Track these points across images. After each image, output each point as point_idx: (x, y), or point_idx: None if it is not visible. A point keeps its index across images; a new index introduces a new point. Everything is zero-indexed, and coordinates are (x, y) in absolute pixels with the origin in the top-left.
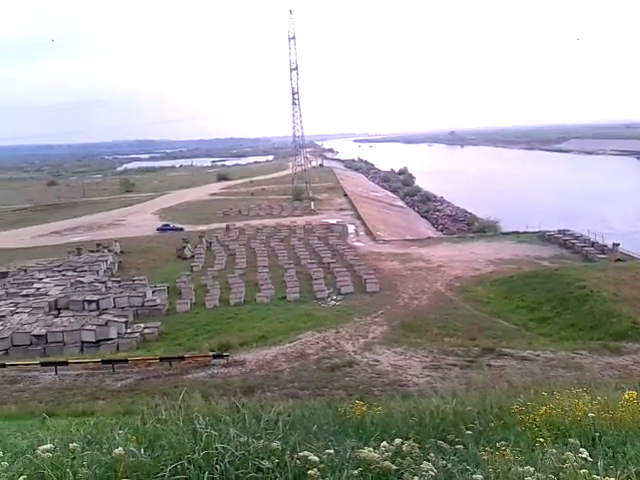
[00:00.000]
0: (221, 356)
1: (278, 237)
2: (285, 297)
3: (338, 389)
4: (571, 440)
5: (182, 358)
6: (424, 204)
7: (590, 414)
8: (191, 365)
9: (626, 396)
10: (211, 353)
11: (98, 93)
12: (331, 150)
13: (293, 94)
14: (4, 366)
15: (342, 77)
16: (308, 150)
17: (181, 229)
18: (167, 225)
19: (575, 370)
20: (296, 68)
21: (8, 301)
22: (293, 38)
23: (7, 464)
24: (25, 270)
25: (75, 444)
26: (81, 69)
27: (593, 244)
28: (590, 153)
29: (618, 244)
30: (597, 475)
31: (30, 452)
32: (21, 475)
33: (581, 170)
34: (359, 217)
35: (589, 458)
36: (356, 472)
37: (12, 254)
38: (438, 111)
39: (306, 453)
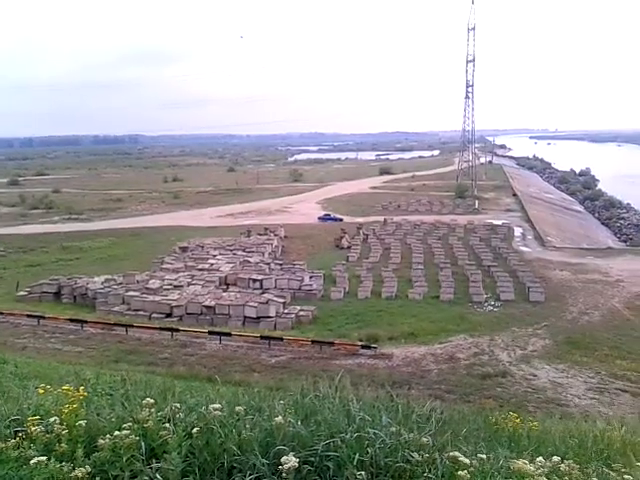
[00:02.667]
0: (369, 347)
1: (436, 235)
2: (438, 297)
3: (488, 398)
4: None
5: (332, 343)
6: (606, 210)
7: None
8: (340, 352)
9: None
10: (360, 343)
11: (271, 89)
12: (503, 146)
13: (467, 87)
14: (178, 331)
15: (520, 69)
16: (477, 146)
17: (341, 219)
18: (328, 215)
19: None
20: (473, 60)
21: (186, 273)
22: (473, 29)
23: (183, 415)
24: (202, 247)
25: (240, 408)
26: (258, 66)
27: None
28: None
29: None
30: None
31: (202, 408)
32: (194, 427)
33: None
34: (528, 220)
35: None
36: None
37: (193, 232)
38: (630, 107)
39: (456, 454)
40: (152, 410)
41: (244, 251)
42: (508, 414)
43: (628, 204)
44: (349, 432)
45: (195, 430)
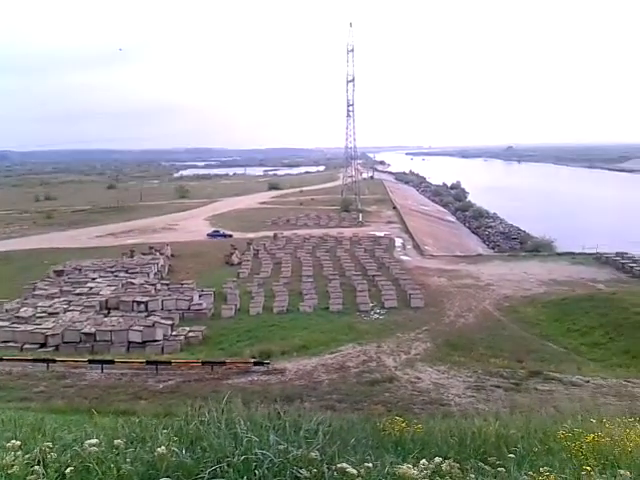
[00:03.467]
0: (262, 363)
1: (324, 247)
2: (328, 308)
3: (377, 404)
4: (621, 471)
5: (223, 363)
6: (476, 220)
7: None
8: (232, 371)
9: None
10: (252, 360)
11: (159, 102)
12: (382, 162)
13: (348, 106)
14: (54, 361)
15: (397, 90)
16: (359, 162)
17: (230, 236)
18: (217, 231)
19: (627, 399)
20: (353, 80)
21: (62, 299)
22: (352, 51)
23: (56, 455)
24: (80, 269)
25: (120, 441)
26: (147, 78)
27: None
28: None
29: None
30: None
31: (77, 445)
32: (68, 467)
33: None
34: (407, 231)
35: None
36: None
37: (69, 253)
38: (495, 126)
39: (344, 465)
40: (19, 453)
41: (127, 272)
42: (394, 419)
43: (494, 214)
44: (236, 455)
45: (69, 470)
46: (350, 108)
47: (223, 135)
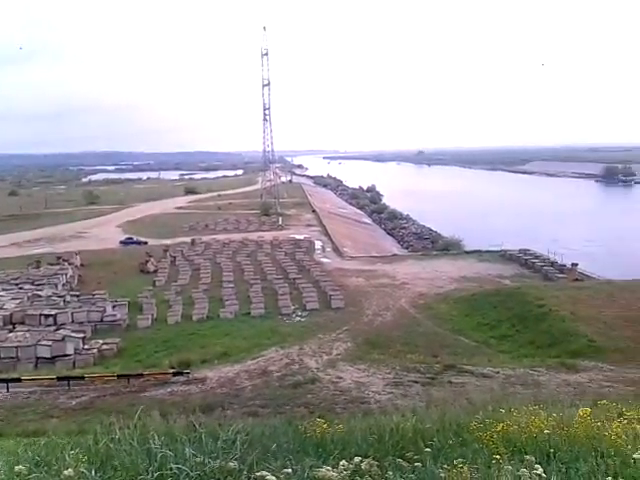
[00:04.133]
0: (181, 373)
1: (244, 252)
2: (249, 313)
3: (300, 406)
4: (527, 457)
5: (141, 375)
6: (391, 222)
7: (546, 431)
8: (150, 383)
9: (580, 413)
10: (171, 370)
11: (66, 104)
12: (300, 166)
13: (264, 110)
14: None
15: (314, 94)
16: (278, 165)
17: (145, 242)
18: (130, 238)
19: (533, 387)
20: (268, 84)
21: None
22: (266, 54)
23: None
24: None
25: (21, 466)
26: (55, 78)
27: (552, 264)
28: (552, 175)
29: (576, 264)
30: None
31: None
32: None
33: (542, 191)
34: (326, 233)
35: (543, 474)
36: None
37: None
38: (407, 131)
39: (263, 473)
40: None
41: (33, 284)
42: (316, 421)
43: (407, 215)
44: (150, 472)
45: None
46: (267, 112)
47: (136, 138)
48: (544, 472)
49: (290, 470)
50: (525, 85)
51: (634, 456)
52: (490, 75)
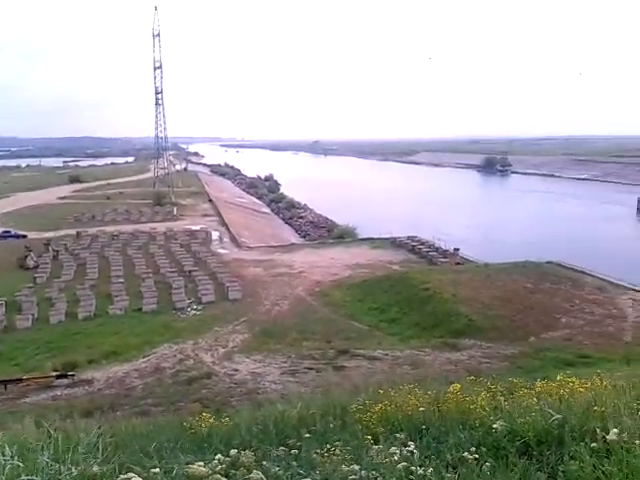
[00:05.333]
0: (65, 376)
1: (136, 245)
2: (141, 309)
3: (194, 402)
4: (400, 435)
5: (20, 380)
6: (288, 211)
7: (421, 408)
8: (30, 388)
9: (451, 389)
10: (54, 373)
11: None
12: (197, 154)
13: (156, 94)
14: None
15: (210, 80)
16: (172, 153)
17: (24, 236)
18: (7, 232)
19: (419, 367)
20: (160, 67)
21: None
22: (158, 35)
23: None
24: None
25: None
26: None
27: (437, 249)
28: (438, 165)
29: (458, 249)
30: (414, 467)
31: None
32: None
33: (429, 180)
34: (224, 223)
35: (415, 451)
36: None
37: None
38: (303, 121)
39: (129, 475)
40: None
41: None
42: (202, 415)
43: (305, 204)
44: None
45: None
46: (159, 96)
47: (13, 121)
48: (415, 448)
49: (158, 470)
50: (415, 79)
51: (494, 426)
52: (382, 69)
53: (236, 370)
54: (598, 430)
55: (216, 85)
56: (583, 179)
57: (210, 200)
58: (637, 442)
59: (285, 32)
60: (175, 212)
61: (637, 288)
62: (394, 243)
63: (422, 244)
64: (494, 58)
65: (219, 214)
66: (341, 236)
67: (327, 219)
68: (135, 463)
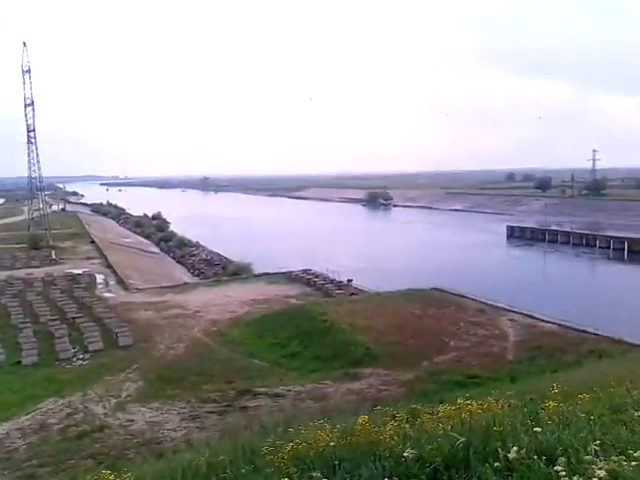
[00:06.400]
0: None
1: (10, 292)
2: (20, 362)
3: (87, 459)
4: (314, 474)
5: None
6: (179, 249)
7: (331, 443)
8: None
9: (360, 420)
10: None
11: None
12: (75, 193)
13: (28, 132)
14: None
15: (89, 117)
16: (47, 193)
17: None
18: None
19: (321, 400)
20: (32, 104)
21: None
22: (28, 72)
23: None
24: None
25: None
26: None
27: (332, 281)
28: (326, 200)
29: (351, 279)
30: None
31: None
32: None
33: (318, 215)
34: (109, 265)
35: None
36: None
37: None
38: (192, 157)
39: None
40: None
41: None
42: (101, 473)
43: (197, 242)
44: None
45: None
46: (31, 134)
47: None
48: None
49: None
50: (299, 118)
51: (404, 454)
52: (269, 107)
53: (131, 421)
54: (499, 450)
55: (95, 122)
56: (457, 210)
57: (92, 241)
58: (535, 458)
59: (171, 66)
60: (54, 256)
61: (514, 309)
62: (290, 277)
63: (317, 277)
64: (368, 98)
65: (103, 256)
66: (236, 273)
67: (221, 256)
68: None
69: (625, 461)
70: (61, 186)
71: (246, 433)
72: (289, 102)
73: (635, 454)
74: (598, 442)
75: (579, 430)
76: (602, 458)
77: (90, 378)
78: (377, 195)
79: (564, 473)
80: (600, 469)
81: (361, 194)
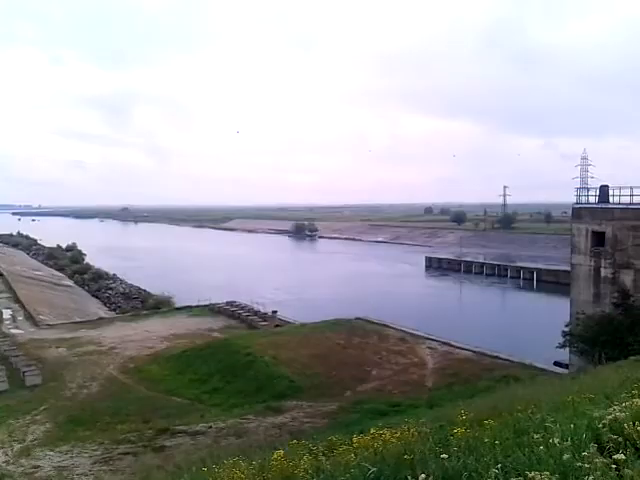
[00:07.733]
0: None
1: None
2: None
3: None
4: None
5: None
6: (95, 282)
7: None
8: None
9: (274, 455)
10: None
11: None
12: None
13: None
14: None
15: None
16: None
17: None
18: None
19: (243, 436)
20: None
21: None
22: None
23: None
24: None
25: None
26: None
27: (256, 313)
28: (252, 231)
29: (276, 311)
30: None
31: None
32: None
33: (244, 246)
34: (18, 300)
35: None
36: None
37: None
38: (111, 187)
39: None
40: None
41: None
42: None
43: (114, 275)
44: None
45: None
46: None
47: None
48: None
49: None
50: (223, 149)
51: None
52: (191, 139)
53: (37, 467)
54: (409, 477)
55: (8, 147)
56: (379, 241)
57: (0, 274)
58: None
59: (86, 98)
60: None
61: (432, 337)
62: (213, 310)
63: (241, 309)
64: (294, 132)
65: (11, 289)
66: (156, 306)
67: (140, 289)
68: None
69: None
70: None
71: (160, 474)
72: (211, 133)
73: (530, 475)
74: (499, 466)
75: (483, 455)
76: None
77: None
78: (303, 227)
79: None
80: None
81: (287, 225)
